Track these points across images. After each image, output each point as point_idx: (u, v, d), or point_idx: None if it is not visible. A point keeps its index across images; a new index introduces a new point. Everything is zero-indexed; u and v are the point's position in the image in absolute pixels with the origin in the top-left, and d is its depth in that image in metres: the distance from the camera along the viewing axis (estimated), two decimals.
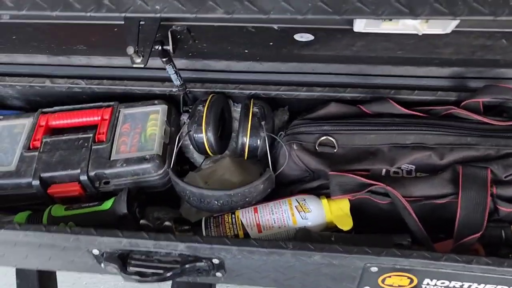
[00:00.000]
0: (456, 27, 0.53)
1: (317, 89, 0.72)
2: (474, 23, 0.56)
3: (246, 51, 0.69)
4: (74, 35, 0.69)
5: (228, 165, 0.71)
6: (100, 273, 0.67)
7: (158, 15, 0.42)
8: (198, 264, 0.61)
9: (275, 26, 0.59)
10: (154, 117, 0.72)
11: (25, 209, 0.70)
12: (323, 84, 0.73)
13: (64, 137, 0.71)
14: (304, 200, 0.63)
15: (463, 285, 0.57)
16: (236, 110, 0.76)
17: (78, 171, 0.67)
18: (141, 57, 0.58)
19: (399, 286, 0.58)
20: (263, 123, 0.67)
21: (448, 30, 0.53)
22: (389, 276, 0.57)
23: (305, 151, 0.65)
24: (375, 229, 0.65)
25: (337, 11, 0.41)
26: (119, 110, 0.74)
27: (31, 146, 0.71)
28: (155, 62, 0.67)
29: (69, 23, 0.64)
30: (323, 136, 0.66)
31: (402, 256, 0.55)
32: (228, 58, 0.73)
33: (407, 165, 0.64)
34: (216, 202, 0.62)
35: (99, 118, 0.73)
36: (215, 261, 0.60)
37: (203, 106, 0.69)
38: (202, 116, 0.68)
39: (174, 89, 0.74)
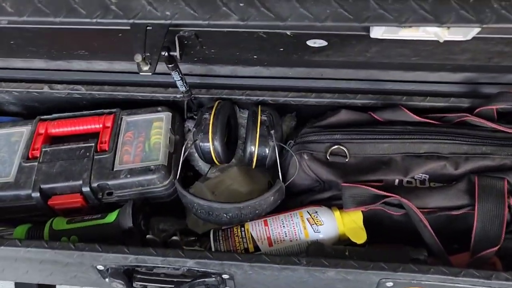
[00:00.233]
0: (476, 33, 0.51)
1: (327, 95, 0.70)
2: (495, 30, 0.54)
3: (255, 56, 0.66)
4: (75, 40, 0.66)
5: (235, 175, 0.69)
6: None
7: (168, 21, 0.40)
8: (207, 279, 0.59)
9: (288, 32, 0.56)
10: (158, 125, 0.70)
11: (24, 221, 0.67)
12: (332, 89, 0.71)
13: (64, 147, 0.68)
14: (316, 212, 0.61)
15: None
16: (242, 116, 0.74)
17: (80, 182, 0.65)
18: (149, 65, 0.55)
19: None
20: (272, 132, 0.65)
21: (469, 37, 0.51)
22: None
23: (316, 161, 0.63)
24: (387, 241, 0.63)
25: (358, 19, 0.39)
26: (121, 117, 0.71)
27: (30, 156, 0.68)
28: (159, 67, 0.64)
29: (71, 28, 0.61)
30: (334, 145, 0.64)
31: (419, 272, 0.53)
32: (234, 63, 0.71)
33: (421, 174, 0.63)
34: (225, 215, 0.60)
35: (101, 126, 0.71)
36: (225, 276, 0.58)
37: (209, 114, 0.67)
38: (209, 124, 0.66)
39: (178, 95, 0.71)
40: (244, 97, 0.71)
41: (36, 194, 0.65)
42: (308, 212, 0.61)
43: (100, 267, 0.60)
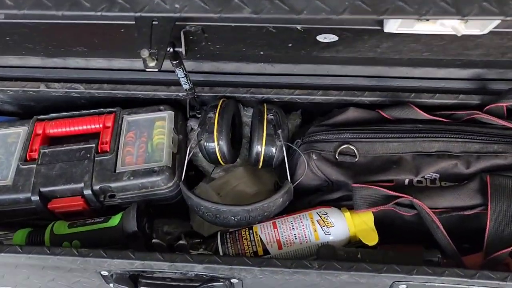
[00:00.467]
0: (494, 27, 0.50)
1: (334, 93, 0.68)
2: None
3: (262, 53, 0.64)
4: (74, 36, 0.63)
5: (241, 175, 0.67)
6: None
7: (177, 14, 0.38)
8: (215, 284, 0.57)
9: (298, 27, 0.54)
10: (161, 124, 0.68)
11: (24, 225, 0.65)
12: (339, 87, 0.69)
13: (64, 148, 0.66)
14: (326, 213, 0.59)
15: None
16: (246, 115, 0.72)
17: (81, 185, 0.63)
18: (155, 61, 0.53)
19: None
20: (279, 131, 0.63)
21: (486, 31, 0.50)
22: None
23: (325, 161, 0.62)
24: (398, 241, 0.62)
25: (377, 11, 0.37)
26: (122, 117, 0.69)
27: (28, 158, 0.66)
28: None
29: (70, 23, 0.58)
30: (343, 144, 0.62)
31: (433, 274, 0.52)
32: (238, 59, 0.69)
33: (431, 173, 0.61)
34: (233, 217, 0.58)
35: (101, 126, 0.68)
36: (234, 280, 0.57)
37: (214, 113, 0.65)
38: (213, 123, 0.64)
39: (181, 93, 0.69)
40: (248, 95, 0.69)
41: (36, 198, 0.62)
42: (318, 214, 0.59)
43: (105, 273, 0.58)
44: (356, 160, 0.62)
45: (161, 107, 0.70)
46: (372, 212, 0.59)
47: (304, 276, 0.54)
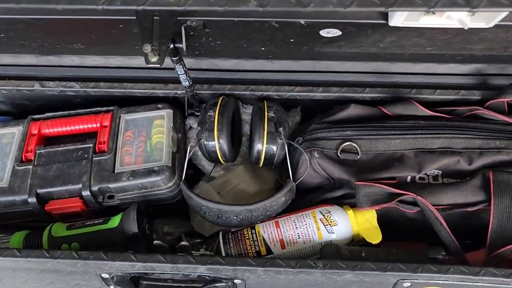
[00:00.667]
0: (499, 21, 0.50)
1: (334, 89, 0.67)
2: None
3: (262, 48, 0.63)
4: (71, 32, 0.61)
5: (242, 174, 0.66)
6: None
7: (181, 8, 0.36)
8: (218, 285, 0.57)
9: (302, 21, 0.53)
10: (159, 123, 0.67)
11: (21, 227, 0.64)
12: (339, 83, 0.68)
13: (60, 148, 0.65)
14: (329, 212, 0.59)
15: None
16: (246, 112, 0.71)
17: (80, 186, 0.61)
18: (157, 56, 0.52)
19: None
20: (280, 129, 0.62)
21: (491, 24, 0.49)
22: None
23: (327, 159, 0.61)
24: (400, 239, 0.62)
25: (385, 3, 0.36)
26: (120, 116, 0.68)
27: (23, 159, 0.65)
28: None
29: (70, 18, 0.56)
30: (345, 142, 0.61)
31: (438, 272, 0.52)
32: (238, 56, 0.67)
33: (434, 170, 0.61)
34: (235, 217, 0.58)
35: (98, 125, 0.67)
36: (237, 281, 0.56)
37: (214, 111, 0.64)
38: (214, 122, 0.63)
39: (179, 91, 0.68)
40: (248, 92, 0.68)
41: (33, 199, 0.61)
42: (321, 212, 0.59)
43: (105, 275, 0.57)
44: (358, 157, 0.61)
45: (159, 105, 0.68)
46: (375, 210, 0.59)
47: (308, 276, 0.54)
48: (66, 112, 0.69)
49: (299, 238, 0.58)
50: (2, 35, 0.62)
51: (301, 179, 0.62)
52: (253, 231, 0.59)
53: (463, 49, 0.60)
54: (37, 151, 0.65)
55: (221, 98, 0.66)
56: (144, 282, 0.58)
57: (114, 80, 0.69)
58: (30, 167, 0.63)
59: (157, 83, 0.69)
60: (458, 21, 0.47)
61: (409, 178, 0.61)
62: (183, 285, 0.59)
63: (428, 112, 0.64)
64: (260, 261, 0.53)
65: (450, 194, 0.58)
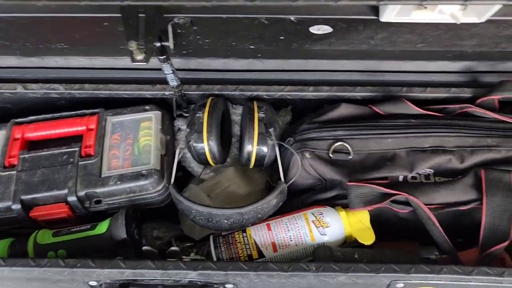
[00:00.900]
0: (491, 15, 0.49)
1: (325, 89, 0.66)
2: (510, 11, 0.51)
3: (251, 47, 0.62)
4: (54, 31, 0.59)
5: (232, 176, 0.65)
6: None
7: (167, 3, 0.35)
8: None
9: (292, 17, 0.52)
10: (147, 125, 0.65)
11: (5, 234, 0.62)
12: (329, 82, 0.68)
13: (45, 153, 0.63)
14: (321, 213, 0.58)
15: None
16: (235, 113, 0.70)
17: (65, 191, 0.60)
18: (143, 54, 0.50)
19: None
20: (271, 129, 0.61)
21: (483, 19, 0.49)
22: None
23: (319, 159, 0.60)
24: (393, 239, 0.61)
25: None
26: (106, 118, 0.66)
27: (6, 164, 0.63)
28: None
29: (52, 16, 0.54)
30: (336, 142, 0.61)
31: (431, 272, 0.52)
32: (227, 55, 0.66)
33: (426, 169, 0.61)
34: (226, 221, 0.57)
35: (84, 128, 0.65)
36: (228, 286, 0.55)
37: (203, 112, 0.62)
38: (203, 123, 0.61)
39: (167, 92, 0.67)
40: (237, 93, 0.67)
41: (17, 206, 0.59)
42: (313, 214, 0.58)
43: (93, 283, 0.56)
44: (350, 157, 0.60)
45: (147, 107, 0.67)
46: (368, 210, 0.59)
47: (301, 279, 0.53)
48: (50, 115, 0.67)
49: (291, 240, 0.57)
50: None
51: (292, 180, 0.61)
52: (244, 234, 0.58)
53: (454, 45, 0.60)
54: (21, 156, 0.63)
55: (210, 99, 0.65)
56: None
57: (100, 81, 0.68)
58: (14, 172, 0.62)
59: (144, 83, 0.67)
60: (450, 16, 0.46)
61: (401, 177, 0.61)
62: None
63: (419, 111, 0.63)
64: (252, 265, 0.53)
65: (442, 193, 0.58)
